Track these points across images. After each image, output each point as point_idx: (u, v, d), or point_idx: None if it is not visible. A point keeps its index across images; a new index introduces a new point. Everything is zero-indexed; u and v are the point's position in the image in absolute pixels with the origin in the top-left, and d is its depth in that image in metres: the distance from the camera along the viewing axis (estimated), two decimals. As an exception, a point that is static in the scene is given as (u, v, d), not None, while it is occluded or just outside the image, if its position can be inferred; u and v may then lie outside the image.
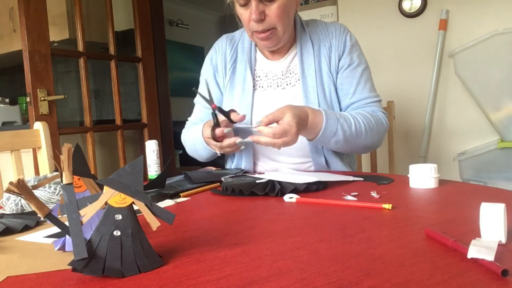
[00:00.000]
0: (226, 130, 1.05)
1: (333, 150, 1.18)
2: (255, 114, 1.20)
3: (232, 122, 1.07)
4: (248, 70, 1.23)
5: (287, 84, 1.21)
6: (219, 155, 1.16)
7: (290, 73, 1.21)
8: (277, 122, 0.98)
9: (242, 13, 1.11)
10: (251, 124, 1.16)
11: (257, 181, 0.88)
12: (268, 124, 0.98)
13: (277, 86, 1.21)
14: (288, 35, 1.17)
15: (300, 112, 1.00)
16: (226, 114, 1.06)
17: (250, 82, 1.22)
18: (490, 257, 0.42)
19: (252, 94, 1.21)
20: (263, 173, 1.10)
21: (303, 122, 1.01)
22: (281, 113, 0.98)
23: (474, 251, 0.44)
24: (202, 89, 1.28)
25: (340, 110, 1.21)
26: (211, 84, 1.29)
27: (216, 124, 1.05)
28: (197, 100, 1.34)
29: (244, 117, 1.06)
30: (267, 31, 1.10)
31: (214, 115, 1.05)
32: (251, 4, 1.06)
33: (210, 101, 1.03)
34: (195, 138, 1.19)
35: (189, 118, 1.38)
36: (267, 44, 1.15)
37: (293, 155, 1.20)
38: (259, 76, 1.24)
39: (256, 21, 1.07)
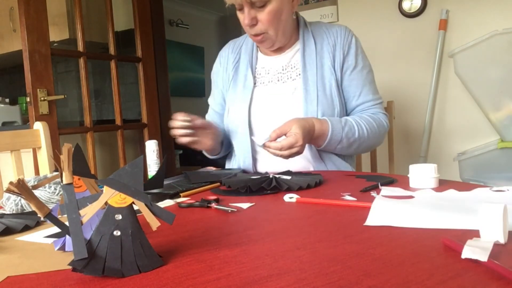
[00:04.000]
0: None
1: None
2: (253, 108, 1.24)
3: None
4: (249, 68, 1.28)
5: (287, 78, 1.24)
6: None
7: (291, 68, 1.25)
8: (285, 134, 1.05)
9: (240, 16, 1.16)
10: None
11: (259, 179, 0.89)
12: (276, 138, 1.05)
13: (278, 80, 1.25)
14: (285, 36, 1.22)
15: (306, 123, 1.07)
16: None
17: (250, 79, 1.26)
18: (483, 257, 0.42)
19: (252, 90, 1.25)
20: (266, 172, 1.11)
21: (309, 132, 1.08)
22: (287, 126, 1.05)
23: (468, 252, 0.44)
24: (212, 91, 1.43)
25: (344, 107, 1.26)
26: (217, 88, 1.39)
27: None
28: (209, 102, 1.44)
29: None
30: (260, 35, 1.16)
31: None
32: (244, 9, 1.12)
33: None
34: None
35: None
36: (263, 46, 1.23)
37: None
38: (260, 74, 1.28)
39: (249, 25, 1.14)
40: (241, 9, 1.13)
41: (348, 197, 0.78)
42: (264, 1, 1.09)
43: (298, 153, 1.06)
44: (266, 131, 1.22)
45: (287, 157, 1.05)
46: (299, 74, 1.22)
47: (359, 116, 1.21)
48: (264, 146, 1.05)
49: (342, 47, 1.22)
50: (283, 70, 1.25)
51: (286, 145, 1.02)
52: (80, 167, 0.53)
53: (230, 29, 4.33)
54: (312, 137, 1.10)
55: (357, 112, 1.25)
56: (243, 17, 1.13)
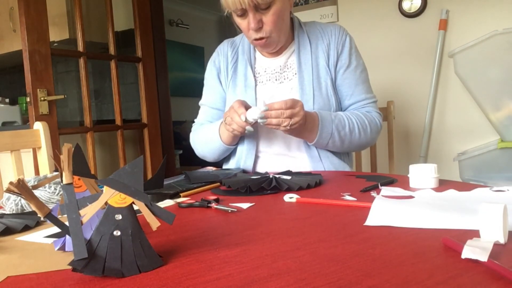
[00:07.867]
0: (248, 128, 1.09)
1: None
2: None
3: None
4: (249, 68, 1.28)
5: (284, 78, 1.25)
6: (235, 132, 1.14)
7: (288, 68, 1.26)
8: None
9: (240, 22, 1.15)
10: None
11: (259, 179, 0.89)
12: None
13: (275, 80, 1.26)
14: (285, 37, 1.22)
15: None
16: None
17: (251, 79, 1.26)
18: (483, 257, 0.42)
19: (255, 90, 1.25)
20: (266, 172, 1.11)
21: (306, 113, 1.08)
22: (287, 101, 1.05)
23: (468, 252, 0.44)
24: (206, 90, 1.38)
25: (340, 106, 1.26)
26: (215, 85, 1.35)
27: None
28: (202, 102, 1.40)
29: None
30: (264, 38, 1.15)
31: None
32: (248, 14, 1.11)
33: None
34: (207, 137, 1.27)
35: (195, 120, 1.42)
36: (266, 50, 1.22)
37: (288, 145, 1.24)
38: (259, 73, 1.29)
39: (255, 29, 1.13)
40: (243, 14, 1.12)
41: (348, 197, 0.78)
42: (268, 2, 1.09)
43: (299, 117, 1.04)
44: (266, 131, 1.23)
45: (288, 124, 1.03)
46: (295, 74, 1.23)
47: (350, 112, 1.22)
48: (265, 105, 1.04)
49: (336, 46, 1.23)
50: (280, 70, 1.26)
51: (289, 102, 1.03)
52: (80, 167, 0.53)
53: (229, 29, 4.33)
54: (307, 119, 1.09)
55: (350, 111, 1.25)
56: (246, 22, 1.12)
